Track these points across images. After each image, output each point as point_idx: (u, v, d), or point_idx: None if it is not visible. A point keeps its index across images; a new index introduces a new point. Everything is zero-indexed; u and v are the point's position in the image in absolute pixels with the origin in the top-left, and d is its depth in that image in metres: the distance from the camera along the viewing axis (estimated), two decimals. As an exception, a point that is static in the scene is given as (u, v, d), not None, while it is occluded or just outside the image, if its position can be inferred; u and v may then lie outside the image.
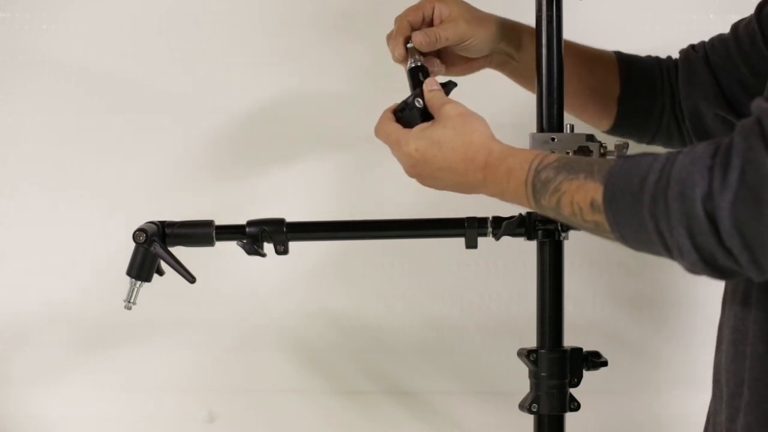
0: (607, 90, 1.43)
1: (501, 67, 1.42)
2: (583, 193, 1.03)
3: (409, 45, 1.34)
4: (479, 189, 1.19)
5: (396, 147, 1.24)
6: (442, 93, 1.26)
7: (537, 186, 1.09)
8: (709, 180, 0.90)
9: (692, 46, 1.42)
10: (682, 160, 0.93)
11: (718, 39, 1.39)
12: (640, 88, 1.42)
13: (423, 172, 1.22)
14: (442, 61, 1.38)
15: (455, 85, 1.29)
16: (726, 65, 1.36)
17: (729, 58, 1.36)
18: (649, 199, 0.94)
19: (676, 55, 1.44)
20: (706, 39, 1.41)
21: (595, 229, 1.04)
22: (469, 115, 1.20)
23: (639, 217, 0.96)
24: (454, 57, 1.38)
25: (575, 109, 1.39)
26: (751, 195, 0.88)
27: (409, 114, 1.25)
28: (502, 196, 1.16)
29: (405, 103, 1.26)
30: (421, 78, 1.30)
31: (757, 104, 0.92)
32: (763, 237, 0.89)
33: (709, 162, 0.90)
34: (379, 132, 1.27)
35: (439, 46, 1.34)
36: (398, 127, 1.25)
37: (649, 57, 1.45)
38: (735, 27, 1.37)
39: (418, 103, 1.25)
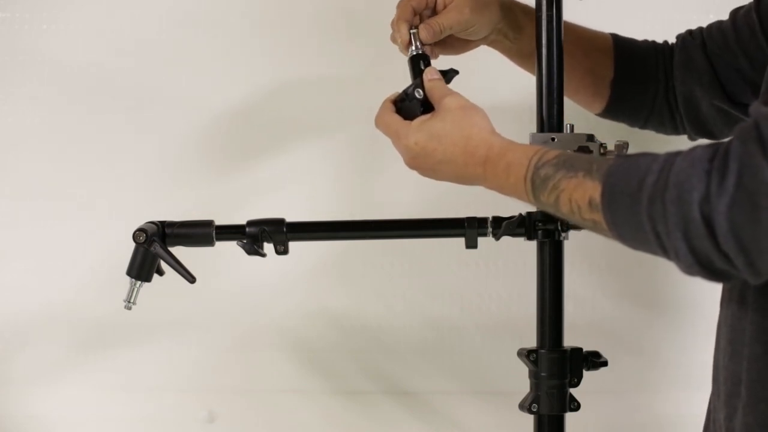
0: (601, 73, 1.42)
1: (495, 45, 1.40)
2: (581, 191, 1.02)
3: (411, 31, 1.30)
4: (478, 182, 1.18)
5: (396, 139, 1.23)
6: (442, 83, 1.24)
7: (536, 182, 1.09)
8: (706, 184, 0.90)
9: (689, 32, 1.41)
10: (681, 162, 0.92)
11: (717, 27, 1.38)
12: (634, 73, 1.42)
13: (423, 164, 1.21)
14: (439, 43, 1.34)
15: (456, 72, 1.28)
16: (724, 54, 1.35)
17: (727, 47, 1.35)
18: (647, 200, 0.94)
19: (672, 40, 1.43)
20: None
21: (593, 227, 1.04)
22: (469, 108, 1.20)
23: (637, 217, 0.95)
24: (453, 39, 1.35)
25: (568, 91, 1.36)
26: (748, 199, 0.88)
27: (409, 105, 1.24)
28: (502, 190, 1.16)
29: (405, 93, 1.25)
30: (422, 66, 1.28)
31: (755, 108, 0.92)
32: (759, 241, 0.89)
33: (707, 166, 0.90)
34: (378, 122, 1.26)
35: (443, 36, 1.32)
36: (398, 118, 1.23)
37: (645, 41, 1.44)
38: (734, 15, 1.36)
39: (418, 93, 1.24)
